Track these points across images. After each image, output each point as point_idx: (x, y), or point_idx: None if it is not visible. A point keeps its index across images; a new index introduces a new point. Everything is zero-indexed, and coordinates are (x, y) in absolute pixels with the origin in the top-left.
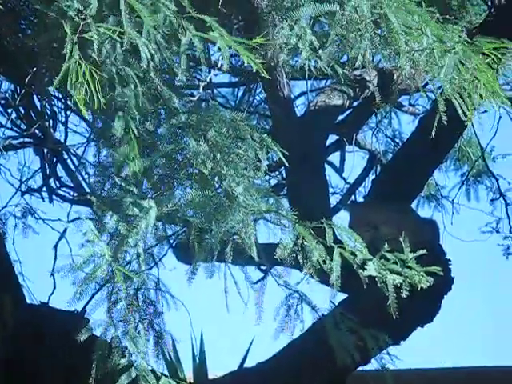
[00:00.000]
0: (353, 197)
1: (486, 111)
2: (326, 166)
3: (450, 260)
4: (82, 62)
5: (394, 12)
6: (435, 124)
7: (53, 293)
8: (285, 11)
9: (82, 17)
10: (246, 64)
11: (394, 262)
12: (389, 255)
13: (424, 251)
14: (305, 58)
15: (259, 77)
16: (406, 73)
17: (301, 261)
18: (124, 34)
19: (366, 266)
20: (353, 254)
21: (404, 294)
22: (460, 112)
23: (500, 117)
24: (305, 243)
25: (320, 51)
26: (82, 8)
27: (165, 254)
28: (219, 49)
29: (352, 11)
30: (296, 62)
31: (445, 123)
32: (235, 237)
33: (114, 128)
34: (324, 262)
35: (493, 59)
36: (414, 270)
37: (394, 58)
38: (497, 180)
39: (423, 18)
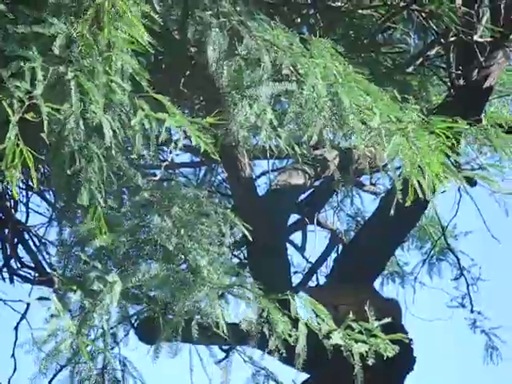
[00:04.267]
0: (314, 276)
1: (444, 191)
2: (288, 245)
3: (411, 340)
4: (19, 143)
5: (347, 92)
6: (394, 203)
7: (13, 374)
8: (244, 90)
9: (27, 97)
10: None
11: (360, 332)
12: (354, 324)
13: (389, 319)
14: (265, 137)
15: (220, 156)
16: (361, 152)
17: (267, 333)
18: (87, 112)
19: (331, 335)
20: (318, 324)
21: (370, 361)
22: (419, 191)
23: (460, 195)
24: (270, 316)
25: (279, 129)
26: (30, 88)
27: (127, 334)
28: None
29: (309, 90)
30: (258, 141)
31: (401, 202)
32: (198, 316)
33: (80, 198)
34: (289, 335)
35: (447, 137)
36: (379, 338)
37: (350, 137)
38: (458, 259)
39: (375, 98)
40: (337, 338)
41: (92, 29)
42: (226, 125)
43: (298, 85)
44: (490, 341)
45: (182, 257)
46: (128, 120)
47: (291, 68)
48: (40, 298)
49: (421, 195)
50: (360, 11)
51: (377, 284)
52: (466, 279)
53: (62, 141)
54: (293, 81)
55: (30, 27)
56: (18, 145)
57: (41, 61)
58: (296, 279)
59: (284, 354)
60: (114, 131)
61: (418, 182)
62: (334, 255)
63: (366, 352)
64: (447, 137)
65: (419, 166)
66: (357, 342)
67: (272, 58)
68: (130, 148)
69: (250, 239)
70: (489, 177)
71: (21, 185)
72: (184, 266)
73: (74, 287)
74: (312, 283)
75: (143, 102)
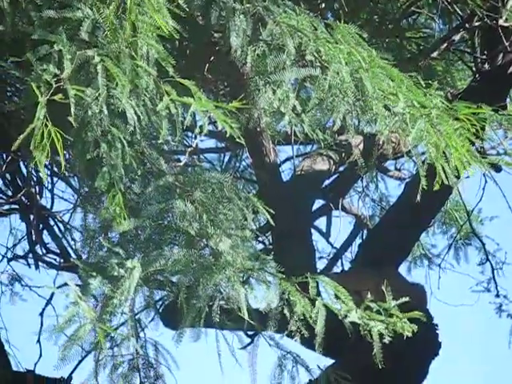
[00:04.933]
0: (339, 262)
1: (468, 177)
2: (313, 230)
3: (437, 325)
4: (48, 124)
5: (371, 77)
6: (420, 188)
7: (39, 360)
8: (268, 76)
9: (54, 80)
10: (220, 128)
11: (377, 311)
12: (372, 304)
13: (406, 298)
14: (288, 122)
15: (244, 142)
16: (385, 137)
17: (287, 314)
18: (112, 98)
19: (348, 314)
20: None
21: (387, 339)
22: (443, 176)
23: (485, 182)
24: (290, 298)
25: (303, 115)
26: (58, 72)
27: (152, 319)
28: (204, 113)
29: (334, 76)
30: (282, 127)
31: (426, 187)
32: (222, 302)
33: (98, 183)
34: (310, 316)
35: (471, 124)
36: (396, 318)
37: (374, 123)
38: (483, 244)
39: (398, 83)
40: (354, 317)
41: (118, 13)
42: (249, 110)
43: (322, 70)
44: None
45: (204, 241)
46: (153, 105)
47: (315, 54)
48: (60, 286)
49: (445, 181)
50: None
51: (403, 269)
52: (491, 264)
53: (85, 125)
54: (317, 66)
55: (57, 12)
56: (46, 125)
57: (68, 45)
58: (321, 264)
59: (305, 337)
60: (138, 116)
61: (443, 167)
62: (358, 240)
63: (385, 331)
64: (471, 123)
65: (443, 152)
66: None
67: (296, 43)
68: (154, 133)
69: (273, 224)
70: None
71: (46, 170)
72: (206, 251)
73: (94, 273)
74: (337, 268)
75: (170, 87)
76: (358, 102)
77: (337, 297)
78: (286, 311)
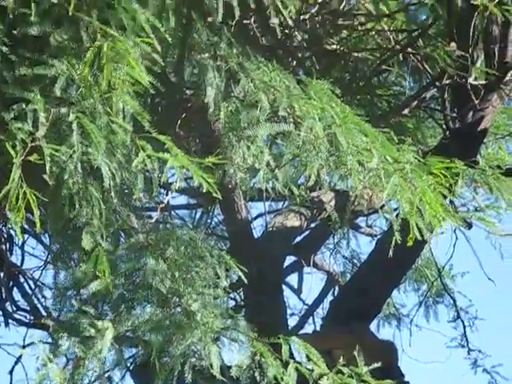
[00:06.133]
0: (311, 318)
1: (442, 232)
2: (284, 287)
3: (408, 382)
4: (23, 185)
5: (345, 133)
6: (393, 244)
7: None
8: (241, 131)
9: (30, 139)
10: (196, 184)
11: (350, 376)
12: (344, 369)
13: (378, 364)
14: (262, 178)
15: (217, 198)
16: (358, 193)
17: (258, 378)
18: (86, 155)
19: (319, 382)
20: (310, 368)
21: None
22: (416, 232)
23: (456, 238)
24: (262, 360)
25: (276, 170)
26: (32, 130)
27: (122, 377)
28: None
29: (307, 131)
30: (254, 183)
31: (398, 243)
32: (193, 359)
33: (83, 243)
34: (281, 378)
35: (445, 179)
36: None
37: (347, 178)
38: (454, 300)
39: (371, 138)
40: None
41: (93, 70)
42: (223, 166)
43: (296, 126)
44: (493, 379)
45: (177, 300)
46: (127, 161)
47: (288, 110)
48: (28, 345)
49: (419, 236)
50: (355, 54)
51: (373, 326)
52: (462, 321)
53: (61, 184)
54: (290, 122)
55: (32, 69)
56: (21, 186)
57: (42, 102)
58: (292, 321)
59: None
60: (112, 174)
61: (416, 223)
62: (330, 297)
63: None
64: (445, 177)
65: (417, 207)
66: None
67: (270, 99)
68: (126, 190)
69: (246, 282)
70: (486, 218)
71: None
72: (178, 310)
73: (66, 334)
74: (308, 326)
75: (145, 142)
76: (331, 157)
77: (308, 358)
78: (256, 374)
